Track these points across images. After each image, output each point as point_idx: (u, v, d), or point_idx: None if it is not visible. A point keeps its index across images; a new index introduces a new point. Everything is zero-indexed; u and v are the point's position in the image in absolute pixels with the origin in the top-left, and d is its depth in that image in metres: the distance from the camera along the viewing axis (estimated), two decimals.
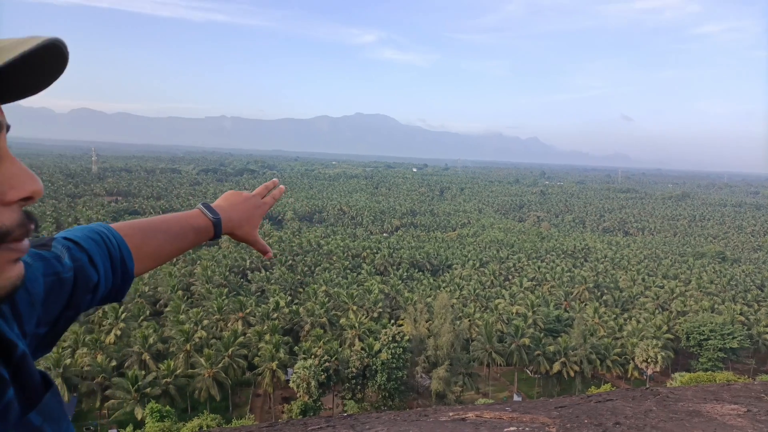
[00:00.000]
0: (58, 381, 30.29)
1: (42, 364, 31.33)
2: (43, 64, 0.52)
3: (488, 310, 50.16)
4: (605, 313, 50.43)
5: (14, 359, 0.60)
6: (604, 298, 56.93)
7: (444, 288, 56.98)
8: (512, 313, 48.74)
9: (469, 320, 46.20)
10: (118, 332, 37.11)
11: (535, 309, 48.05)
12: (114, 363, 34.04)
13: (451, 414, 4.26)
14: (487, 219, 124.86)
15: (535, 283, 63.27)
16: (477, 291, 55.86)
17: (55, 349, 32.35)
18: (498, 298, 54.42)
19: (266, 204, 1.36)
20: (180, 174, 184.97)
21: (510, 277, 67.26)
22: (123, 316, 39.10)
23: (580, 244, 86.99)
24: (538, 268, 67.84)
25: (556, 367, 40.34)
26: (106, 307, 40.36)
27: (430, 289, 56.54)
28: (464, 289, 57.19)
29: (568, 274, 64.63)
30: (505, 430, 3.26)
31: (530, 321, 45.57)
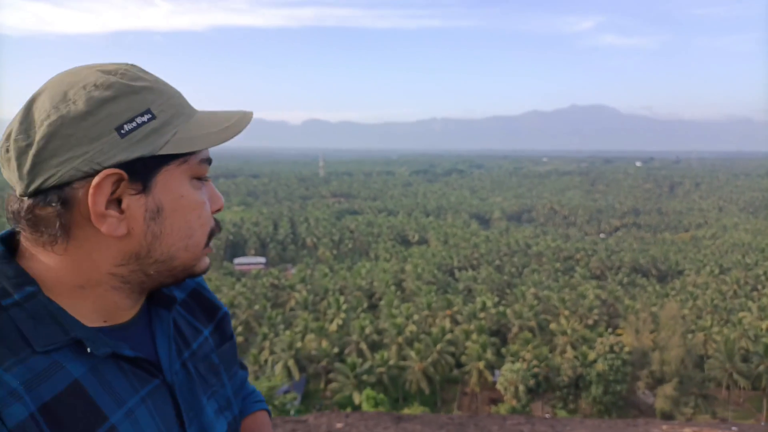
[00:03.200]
0: (290, 362, 34.62)
1: (278, 345, 36.21)
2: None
3: (729, 324, 43.24)
4: None
5: (216, 318, 0.91)
6: None
7: (673, 296, 50.90)
8: (761, 329, 41.20)
9: (705, 334, 40.38)
10: (340, 321, 40.96)
11: None
12: (336, 350, 37.64)
13: (664, 428, 3.76)
14: (730, 219, 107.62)
15: None
16: (715, 302, 48.54)
17: (288, 332, 37.20)
18: (742, 310, 46.55)
19: None
20: (394, 176, 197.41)
21: (759, 287, 56.99)
22: (344, 306, 43.02)
23: None
24: None
25: None
26: (330, 299, 44.98)
27: (656, 297, 50.95)
28: (699, 298, 50.20)
29: None
30: None
31: None
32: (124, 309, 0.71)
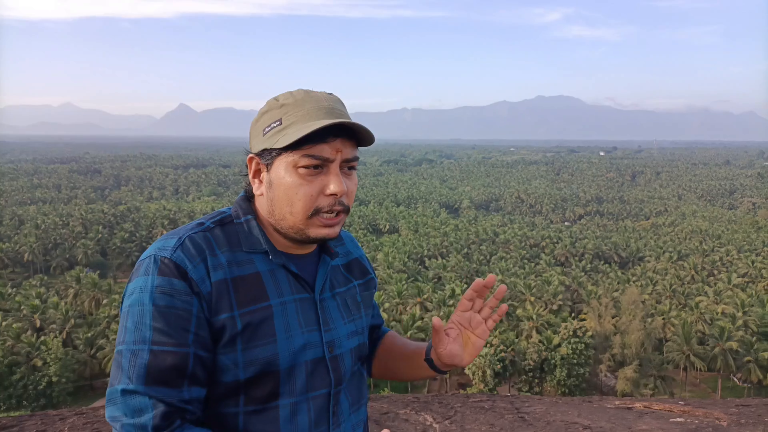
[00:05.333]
0: None
1: None
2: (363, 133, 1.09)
3: (687, 309, 44.93)
4: None
5: (366, 279, 1.31)
6: None
7: (634, 282, 52.42)
8: (717, 313, 42.99)
9: (664, 318, 41.91)
10: None
11: (746, 309, 41.74)
12: None
13: (617, 403, 4.10)
14: (689, 206, 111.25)
15: (747, 279, 54.87)
16: (674, 287, 50.37)
17: None
18: (699, 295, 48.41)
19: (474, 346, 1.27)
20: (365, 166, 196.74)
21: (715, 272, 59.30)
22: None
23: None
24: (752, 263, 58.63)
25: None
26: None
27: (618, 283, 52.44)
28: (658, 284, 51.97)
29: None
30: (671, 420, 3.06)
31: (740, 323, 39.72)
32: (289, 246, 1.12)
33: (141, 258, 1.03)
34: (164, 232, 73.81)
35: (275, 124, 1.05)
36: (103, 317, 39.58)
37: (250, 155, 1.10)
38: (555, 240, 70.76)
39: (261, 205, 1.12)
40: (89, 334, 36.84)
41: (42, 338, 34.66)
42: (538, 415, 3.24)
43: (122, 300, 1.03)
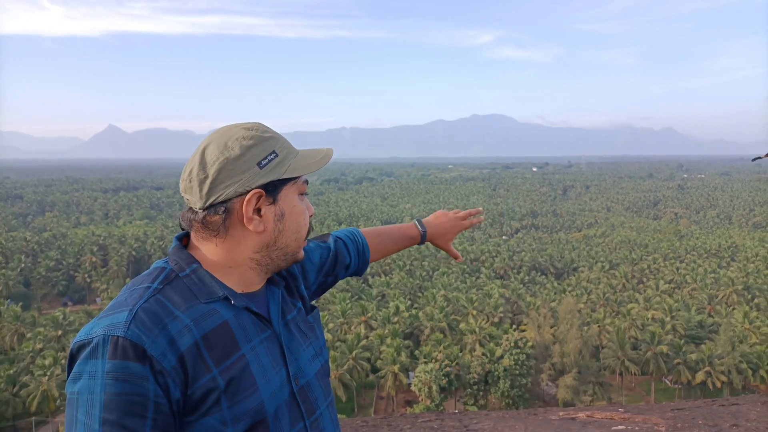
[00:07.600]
0: None
1: None
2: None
3: (620, 316, 47.01)
4: (757, 317, 44.92)
5: (300, 294, 1.26)
6: (756, 301, 50.70)
7: (570, 292, 54.33)
8: (647, 319, 45.23)
9: (599, 326, 43.60)
10: None
11: (674, 314, 44.17)
12: None
13: (561, 414, 4.16)
14: (617, 218, 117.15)
15: (673, 285, 58.15)
16: (607, 295, 52.60)
17: None
18: (631, 302, 50.80)
19: (463, 226, 1.77)
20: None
21: (644, 279, 62.51)
22: None
23: (726, 242, 78.33)
24: (677, 269, 62.29)
25: (700, 376, 36.70)
26: None
27: (555, 294, 54.22)
28: (592, 293, 54.14)
29: (713, 275, 58.58)
30: (613, 428, 3.14)
31: (668, 327, 41.97)
32: (254, 283, 1.10)
33: (86, 335, 0.91)
34: (93, 258, 70.58)
35: (272, 157, 1.05)
36: (27, 352, 36.95)
37: (255, 190, 1.03)
38: (494, 254, 72.48)
39: (233, 246, 1.06)
40: (11, 371, 34.23)
41: None
42: None
43: (67, 376, 0.93)
